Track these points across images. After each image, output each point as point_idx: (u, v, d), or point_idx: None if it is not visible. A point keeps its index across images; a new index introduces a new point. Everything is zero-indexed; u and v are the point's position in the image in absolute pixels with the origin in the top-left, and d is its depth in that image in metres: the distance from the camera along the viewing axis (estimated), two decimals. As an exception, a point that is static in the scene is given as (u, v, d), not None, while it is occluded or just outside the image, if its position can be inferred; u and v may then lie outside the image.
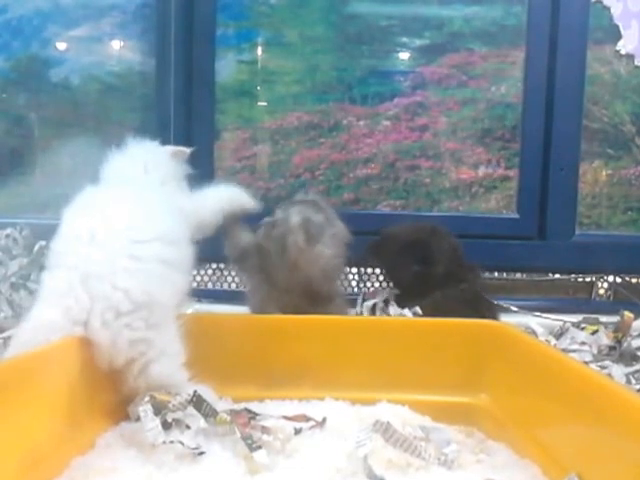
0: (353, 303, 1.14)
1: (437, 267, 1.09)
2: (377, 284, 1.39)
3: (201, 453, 0.62)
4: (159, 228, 0.73)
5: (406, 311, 1.05)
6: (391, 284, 1.19)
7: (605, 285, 1.45)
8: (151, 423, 0.63)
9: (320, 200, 1.03)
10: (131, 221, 0.72)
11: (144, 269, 0.69)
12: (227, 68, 1.54)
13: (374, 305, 1.11)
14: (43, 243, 1.15)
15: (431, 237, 1.12)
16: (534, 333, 1.10)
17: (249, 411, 0.70)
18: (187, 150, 0.93)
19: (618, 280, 1.44)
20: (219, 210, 0.90)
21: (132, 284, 0.67)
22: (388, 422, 0.64)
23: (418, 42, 1.54)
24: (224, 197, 0.92)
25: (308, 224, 0.94)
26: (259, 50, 1.57)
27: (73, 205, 0.74)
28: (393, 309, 1.08)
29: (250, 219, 0.98)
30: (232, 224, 0.98)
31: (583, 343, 1.06)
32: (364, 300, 1.13)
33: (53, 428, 0.61)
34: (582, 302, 1.43)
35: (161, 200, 0.80)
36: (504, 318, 1.12)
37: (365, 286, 1.39)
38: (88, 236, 0.69)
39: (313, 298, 0.96)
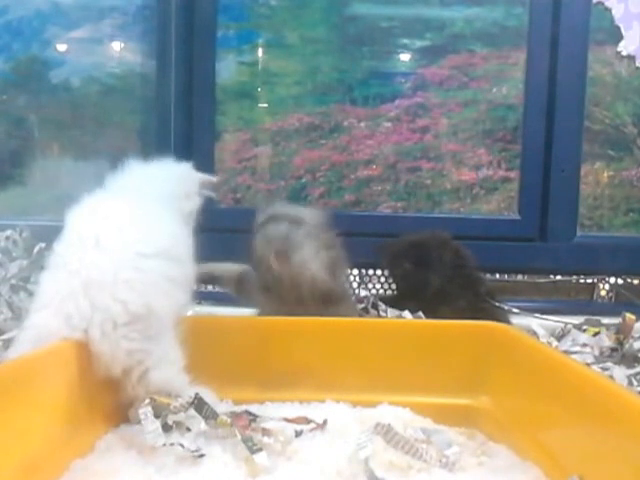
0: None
1: (434, 272, 1.09)
2: (378, 285, 1.38)
3: (201, 455, 0.62)
4: (165, 243, 0.72)
5: (406, 313, 1.05)
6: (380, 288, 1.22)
7: (607, 287, 1.45)
8: (151, 425, 0.63)
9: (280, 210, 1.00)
10: (138, 232, 0.71)
11: (145, 282, 0.68)
12: (228, 69, 1.54)
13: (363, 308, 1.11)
14: (43, 245, 1.15)
15: (434, 243, 1.12)
16: (535, 335, 1.09)
17: (249, 413, 0.70)
18: (214, 179, 0.92)
19: (620, 282, 1.44)
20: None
21: (131, 296, 0.66)
22: (389, 424, 0.64)
23: (419, 43, 1.54)
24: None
25: (273, 244, 0.92)
26: (260, 51, 1.57)
27: (79, 208, 0.74)
28: (390, 311, 1.08)
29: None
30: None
31: (585, 345, 1.06)
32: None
33: (52, 430, 0.61)
34: (583, 304, 1.42)
35: (170, 216, 0.79)
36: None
37: (367, 288, 1.39)
38: (93, 241, 0.68)
39: (324, 302, 0.96)
